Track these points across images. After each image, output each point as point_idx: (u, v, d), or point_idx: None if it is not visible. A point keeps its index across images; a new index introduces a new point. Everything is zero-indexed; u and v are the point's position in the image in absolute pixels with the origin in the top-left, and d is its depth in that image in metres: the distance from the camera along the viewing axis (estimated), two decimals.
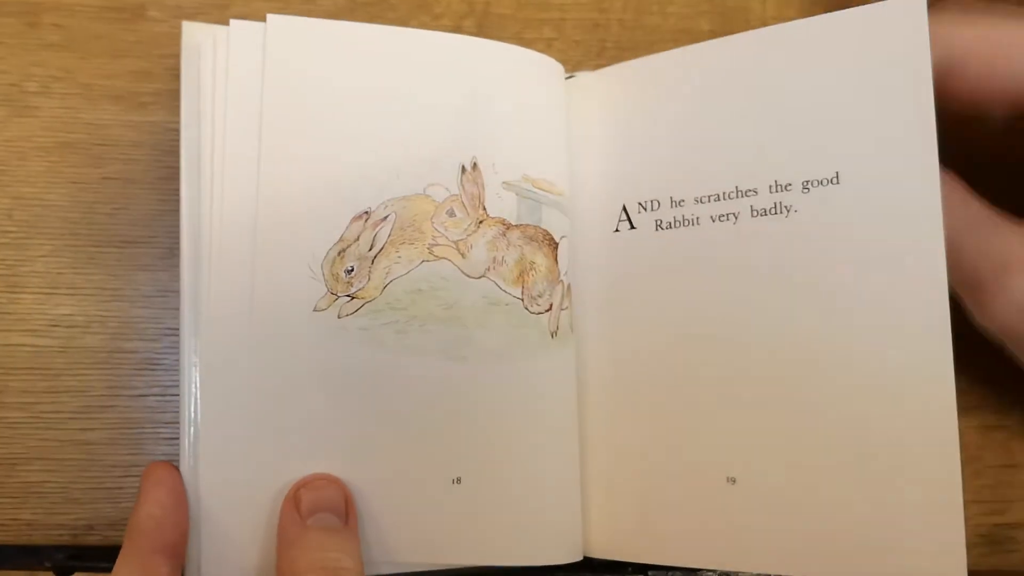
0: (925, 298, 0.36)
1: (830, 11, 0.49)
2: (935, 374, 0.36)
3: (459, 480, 0.39)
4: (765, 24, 0.49)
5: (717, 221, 0.40)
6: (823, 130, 0.39)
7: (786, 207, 0.39)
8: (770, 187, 0.39)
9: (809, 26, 0.40)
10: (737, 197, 0.40)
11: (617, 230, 0.42)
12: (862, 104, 0.38)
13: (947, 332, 0.36)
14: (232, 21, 0.39)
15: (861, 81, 0.38)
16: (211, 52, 0.39)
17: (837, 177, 0.38)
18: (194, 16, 0.45)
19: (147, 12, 0.45)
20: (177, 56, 0.39)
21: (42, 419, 0.43)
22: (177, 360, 0.39)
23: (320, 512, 0.36)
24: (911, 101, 0.37)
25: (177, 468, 0.38)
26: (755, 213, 0.40)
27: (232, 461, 0.38)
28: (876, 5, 0.39)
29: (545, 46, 0.48)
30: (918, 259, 0.37)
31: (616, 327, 0.42)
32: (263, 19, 0.39)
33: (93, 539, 0.42)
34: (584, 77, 0.44)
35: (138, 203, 0.44)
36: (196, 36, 0.39)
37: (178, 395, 0.38)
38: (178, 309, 0.38)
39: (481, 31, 0.48)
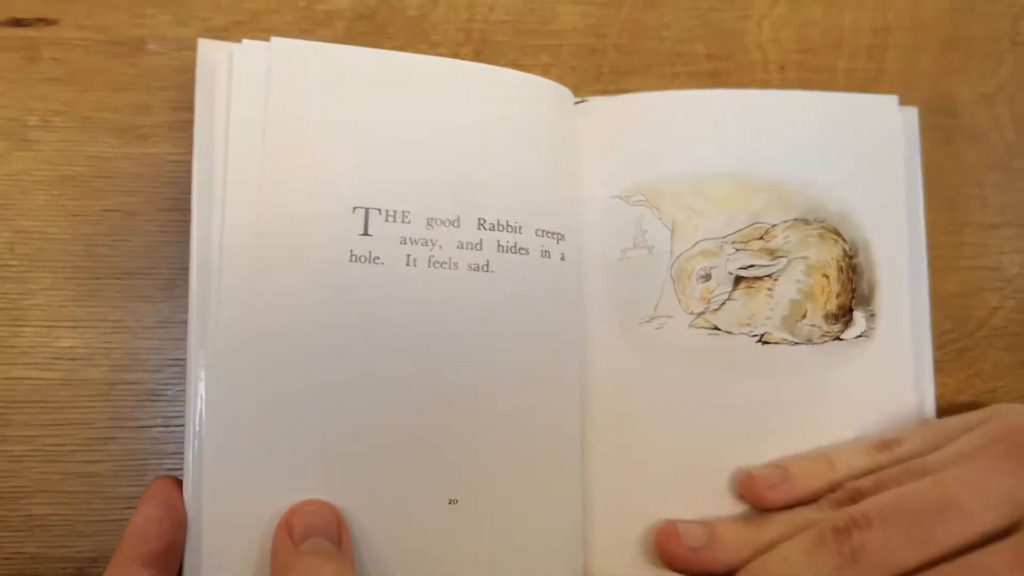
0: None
1: (824, 34, 0.50)
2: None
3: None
4: (761, 48, 0.50)
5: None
6: None
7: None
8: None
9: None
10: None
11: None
12: None
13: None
14: (244, 40, 0.40)
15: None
16: (226, 69, 0.40)
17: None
18: (193, 48, 0.46)
19: (146, 45, 0.46)
20: (177, 88, 0.40)
21: (45, 452, 0.43)
22: (180, 391, 0.39)
23: (313, 537, 0.37)
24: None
25: (174, 480, 0.39)
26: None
27: (234, 480, 0.38)
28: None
29: (542, 72, 0.48)
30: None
31: None
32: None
33: (97, 572, 0.43)
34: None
35: (139, 235, 0.44)
36: (211, 54, 0.40)
37: (181, 426, 0.38)
38: (181, 340, 0.39)
39: (478, 58, 0.48)
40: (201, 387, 0.38)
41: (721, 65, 0.50)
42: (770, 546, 0.40)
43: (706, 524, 0.42)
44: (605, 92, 0.48)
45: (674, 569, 0.41)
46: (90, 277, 0.44)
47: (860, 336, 0.44)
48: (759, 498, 0.42)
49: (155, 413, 0.44)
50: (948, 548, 0.37)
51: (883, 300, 0.45)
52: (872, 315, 0.45)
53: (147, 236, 0.44)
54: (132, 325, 0.44)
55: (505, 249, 0.42)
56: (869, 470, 0.42)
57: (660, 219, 0.44)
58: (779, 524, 0.41)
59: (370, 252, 0.40)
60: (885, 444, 0.43)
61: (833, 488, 0.42)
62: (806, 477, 0.42)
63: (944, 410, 0.46)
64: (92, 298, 0.44)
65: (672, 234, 0.44)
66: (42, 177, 0.44)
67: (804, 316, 0.44)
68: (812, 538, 0.39)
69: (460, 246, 0.41)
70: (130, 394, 0.44)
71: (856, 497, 0.40)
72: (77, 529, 0.43)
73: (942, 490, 0.38)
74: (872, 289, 0.45)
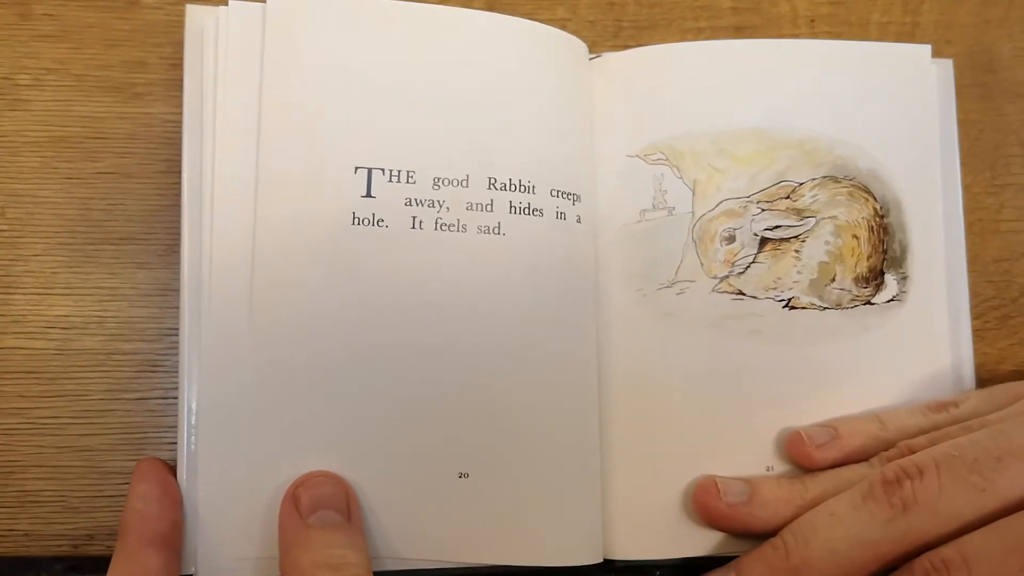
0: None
1: None
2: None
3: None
4: (789, 0, 0.50)
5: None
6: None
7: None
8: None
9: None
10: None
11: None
12: None
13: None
14: (231, 1, 0.40)
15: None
16: (214, 35, 0.40)
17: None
18: (191, 2, 0.46)
19: None
20: (174, 44, 0.40)
21: (39, 425, 0.43)
22: (178, 361, 0.40)
23: (321, 510, 0.37)
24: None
25: (164, 461, 0.39)
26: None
27: (231, 454, 0.39)
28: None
29: (559, 27, 0.48)
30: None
31: None
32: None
33: (93, 549, 0.43)
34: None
35: (135, 198, 0.45)
36: (199, 20, 0.41)
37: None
38: (179, 308, 0.39)
39: (491, 11, 0.49)
40: (195, 357, 0.39)
41: (747, 19, 0.50)
42: (815, 503, 0.40)
43: (747, 481, 0.42)
44: (624, 48, 0.48)
45: (712, 526, 0.42)
46: (84, 242, 0.45)
47: (892, 300, 0.45)
48: (807, 457, 0.42)
49: (153, 384, 0.44)
50: (1010, 499, 0.36)
51: (916, 262, 0.45)
52: (904, 278, 0.45)
53: (143, 199, 0.45)
54: (128, 292, 0.45)
55: (517, 210, 0.42)
56: (923, 430, 0.42)
57: (681, 178, 0.44)
58: (826, 481, 0.41)
59: (373, 215, 0.40)
60: (941, 405, 0.43)
61: (885, 447, 0.41)
62: (856, 436, 0.42)
63: (985, 381, 0.46)
64: (86, 264, 0.45)
65: (693, 194, 0.44)
66: (34, 138, 0.45)
67: (833, 279, 0.44)
68: (861, 491, 0.38)
69: (469, 207, 0.41)
70: (127, 364, 0.44)
71: (909, 454, 0.39)
72: (72, 505, 0.43)
73: (1004, 437, 0.38)
74: (904, 251, 0.45)
